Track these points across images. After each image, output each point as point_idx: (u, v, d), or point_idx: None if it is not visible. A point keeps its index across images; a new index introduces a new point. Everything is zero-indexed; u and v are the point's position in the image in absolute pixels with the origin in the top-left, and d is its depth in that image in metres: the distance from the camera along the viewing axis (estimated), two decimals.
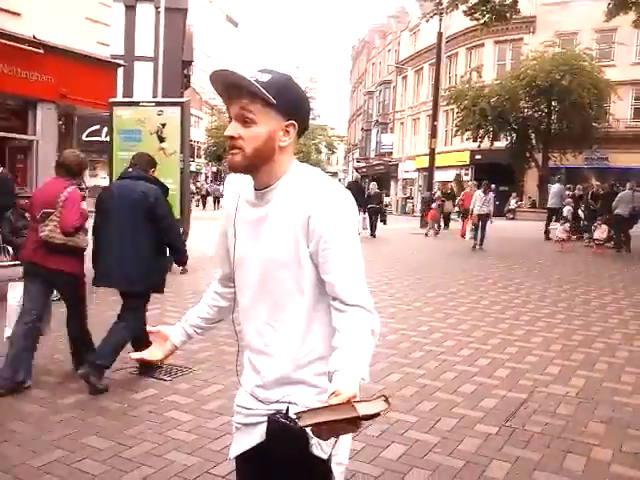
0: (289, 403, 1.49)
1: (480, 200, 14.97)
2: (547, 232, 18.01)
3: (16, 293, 4.46)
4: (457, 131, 31.45)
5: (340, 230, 1.47)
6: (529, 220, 26.15)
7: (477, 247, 14.88)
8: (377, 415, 1.21)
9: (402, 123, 46.93)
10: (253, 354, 1.60)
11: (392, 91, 49.12)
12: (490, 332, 6.22)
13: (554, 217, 18.05)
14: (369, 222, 17.75)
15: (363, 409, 1.19)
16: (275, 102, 1.46)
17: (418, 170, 39.83)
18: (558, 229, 16.00)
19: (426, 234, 18.89)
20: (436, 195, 21.55)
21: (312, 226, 1.46)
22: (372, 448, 3.37)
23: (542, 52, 28.30)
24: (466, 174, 35.85)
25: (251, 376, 1.61)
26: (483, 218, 14.90)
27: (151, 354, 1.74)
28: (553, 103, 28.60)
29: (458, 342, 5.79)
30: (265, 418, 1.51)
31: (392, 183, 46.89)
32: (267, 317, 1.56)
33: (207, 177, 56.53)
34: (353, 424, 1.22)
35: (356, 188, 17.13)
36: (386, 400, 1.23)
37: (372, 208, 17.75)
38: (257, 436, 1.55)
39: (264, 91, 1.43)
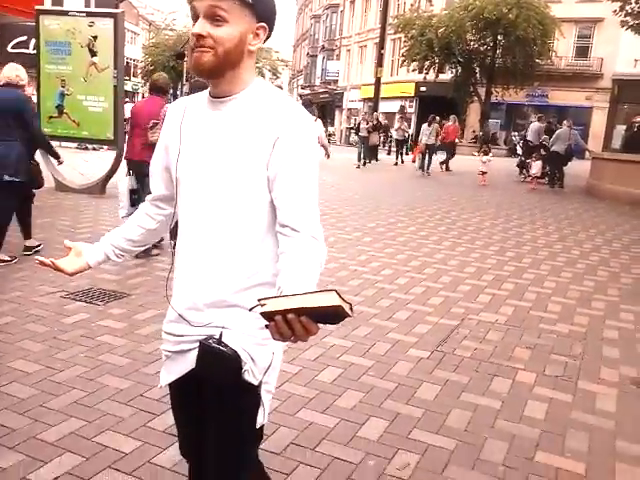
0: (223, 328, 1.44)
1: (427, 131, 17.26)
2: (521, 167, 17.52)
3: (125, 183, 5.67)
4: (404, 61, 31.06)
5: (304, 158, 1.41)
6: (471, 155, 26.53)
7: (425, 173, 16.88)
8: (343, 314, 1.11)
9: (349, 50, 45.92)
10: (190, 275, 1.49)
11: (339, 16, 47.69)
12: (426, 262, 6.35)
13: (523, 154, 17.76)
14: None
15: (329, 301, 1.10)
16: (252, 1, 1.35)
17: (363, 100, 39.37)
18: (533, 166, 15.98)
19: (358, 166, 18.94)
20: (361, 126, 20.25)
21: (278, 149, 1.39)
22: (308, 371, 3.43)
23: None
24: (410, 106, 35.77)
25: (184, 297, 1.50)
26: (430, 147, 17.26)
27: (60, 265, 1.59)
28: (499, 37, 28.51)
29: (395, 271, 5.88)
30: (196, 344, 1.44)
31: (337, 113, 46.34)
32: (211, 236, 1.45)
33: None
34: (313, 325, 1.14)
35: None
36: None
37: None
38: (188, 363, 1.50)
39: None
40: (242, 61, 1.41)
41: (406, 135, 22.35)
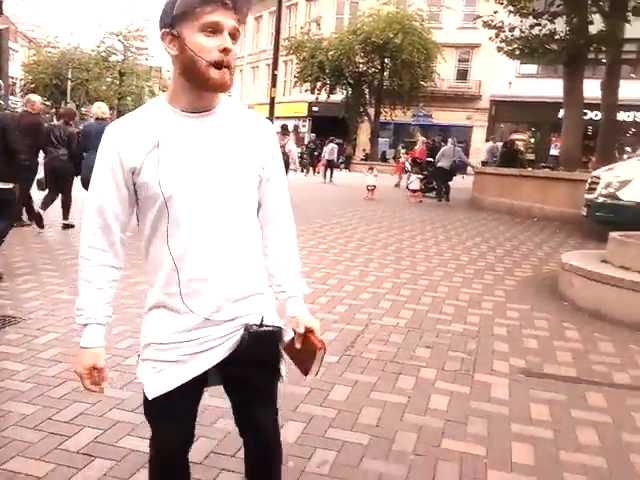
0: (261, 314, 1.68)
1: (327, 149, 22.42)
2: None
3: None
4: (296, 82, 31.72)
5: (280, 158, 1.70)
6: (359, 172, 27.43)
7: (328, 182, 21.00)
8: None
9: (241, 70, 46.14)
10: (212, 280, 1.58)
11: None
12: (328, 273, 6.54)
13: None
14: None
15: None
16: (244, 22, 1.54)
17: None
18: (411, 179, 16.63)
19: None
20: None
21: (273, 154, 1.66)
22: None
23: (377, 10, 29.30)
24: (303, 125, 36.49)
25: (208, 302, 1.59)
26: (330, 162, 22.10)
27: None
28: (386, 60, 29.93)
29: None
30: (222, 339, 1.62)
31: None
32: (225, 239, 1.58)
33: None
34: None
35: None
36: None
37: None
38: (214, 358, 1.63)
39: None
40: None
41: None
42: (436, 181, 16.88)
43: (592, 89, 15.71)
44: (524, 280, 6.83)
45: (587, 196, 10.24)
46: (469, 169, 20.53)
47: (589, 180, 10.44)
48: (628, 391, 3.71)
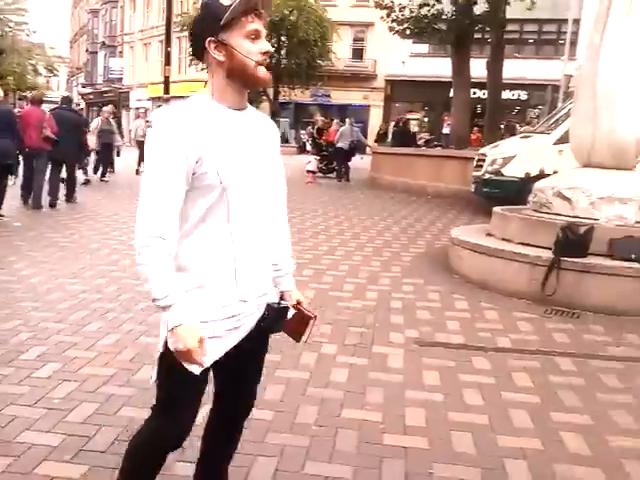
0: (280, 292, 1.99)
1: None
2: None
3: None
4: (192, 60, 30.89)
5: None
6: None
7: None
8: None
9: (132, 47, 44.33)
10: (255, 260, 1.80)
11: (120, 11, 45.79)
12: None
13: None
14: (100, 162, 14.55)
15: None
16: None
17: (152, 99, 38.33)
18: (308, 160, 16.75)
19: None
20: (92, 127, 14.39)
21: (278, 144, 1.92)
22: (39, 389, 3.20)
23: None
24: None
25: (253, 283, 1.80)
26: None
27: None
28: (282, 38, 29.77)
29: None
30: (252, 315, 1.82)
31: (124, 112, 44.44)
32: (268, 224, 1.84)
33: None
34: None
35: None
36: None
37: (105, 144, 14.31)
38: (244, 331, 1.81)
39: None
40: None
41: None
42: (336, 161, 17.20)
43: (480, 69, 16.54)
44: (418, 256, 7.22)
45: (475, 173, 10.89)
46: (367, 149, 21.06)
47: (476, 158, 11.08)
48: (509, 354, 4.07)
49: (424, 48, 31.37)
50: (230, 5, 1.61)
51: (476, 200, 11.07)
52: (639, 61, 5.63)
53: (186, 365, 1.66)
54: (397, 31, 16.34)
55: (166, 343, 1.69)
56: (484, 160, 10.60)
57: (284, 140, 33.76)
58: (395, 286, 5.72)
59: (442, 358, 3.93)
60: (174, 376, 1.72)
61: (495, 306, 5.15)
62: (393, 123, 23.31)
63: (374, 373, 3.62)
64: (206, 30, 1.66)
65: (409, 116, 29.85)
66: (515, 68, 25.16)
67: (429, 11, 15.78)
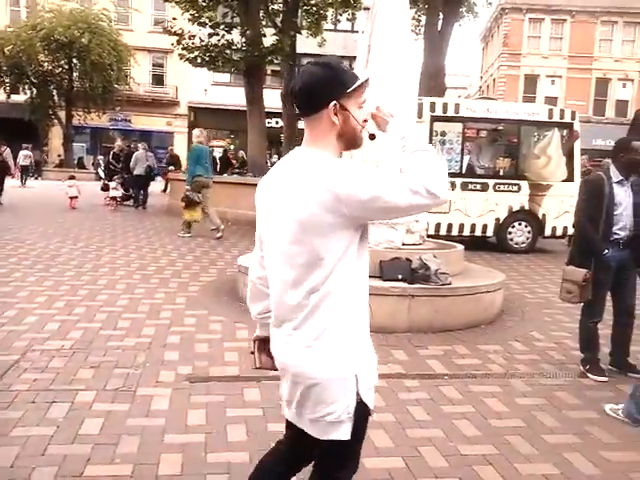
0: None
1: (23, 154, 19.76)
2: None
3: None
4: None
5: None
6: (57, 180, 25.35)
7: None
8: None
9: None
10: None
11: None
12: None
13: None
14: None
15: None
16: None
17: None
18: (112, 186, 15.82)
19: None
20: None
21: None
22: None
23: (59, 5, 27.31)
24: None
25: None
26: (26, 168, 19.95)
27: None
28: (74, 60, 28.12)
29: None
30: None
31: None
32: None
33: None
34: None
35: None
36: None
37: None
38: None
39: None
40: None
41: None
42: (134, 188, 16.47)
43: (273, 99, 17.02)
44: (207, 285, 7.04)
45: None
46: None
47: None
48: (279, 382, 4.02)
49: (225, 77, 31.62)
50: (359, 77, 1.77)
51: None
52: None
53: None
54: (187, 58, 16.16)
55: None
56: None
57: (80, 166, 31.76)
58: (176, 319, 5.46)
59: (213, 393, 3.77)
60: None
61: None
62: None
63: (134, 419, 3.33)
64: (333, 92, 1.72)
65: (214, 143, 29.83)
66: None
67: (219, 40, 15.87)
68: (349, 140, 1.79)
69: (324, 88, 1.73)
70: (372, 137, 1.84)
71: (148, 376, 3.99)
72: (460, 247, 6.81)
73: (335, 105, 1.73)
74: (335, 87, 1.73)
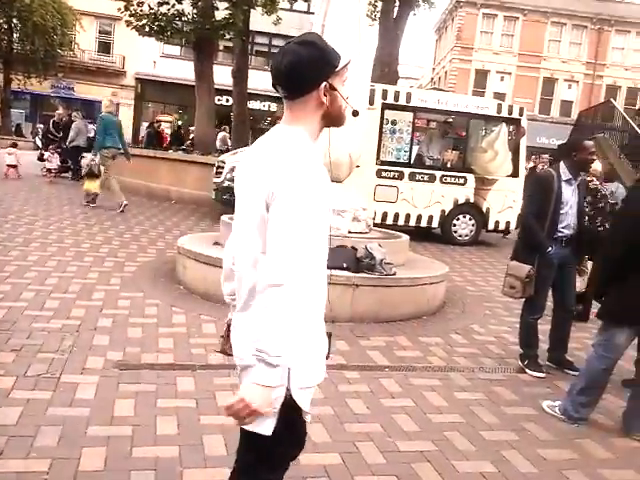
0: None
1: None
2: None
3: None
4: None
5: None
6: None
7: None
8: None
9: None
10: None
11: None
12: None
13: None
14: None
15: None
16: None
17: None
18: (47, 156, 15.07)
19: None
20: None
21: None
22: None
23: None
24: None
25: None
26: None
27: None
28: (14, 20, 26.66)
29: None
30: None
31: None
32: None
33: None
34: None
35: None
36: None
37: None
38: None
39: None
40: None
41: None
42: (72, 160, 15.74)
43: (224, 76, 16.49)
44: (144, 265, 6.75)
45: (215, 180, 10.76)
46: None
47: (216, 164, 10.97)
48: (217, 370, 3.87)
49: (176, 50, 30.69)
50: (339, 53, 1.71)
51: (217, 207, 10.94)
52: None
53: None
54: (135, 26, 15.42)
55: None
56: (223, 167, 10.54)
57: (18, 133, 30.28)
58: (109, 301, 5.19)
59: (143, 382, 3.58)
60: None
61: (214, 318, 4.95)
62: (146, 124, 22.35)
63: (56, 408, 3.11)
64: (323, 73, 1.68)
65: (160, 117, 29.02)
66: (266, 80, 26.01)
67: (169, 10, 15.22)
68: (334, 118, 1.77)
69: (313, 69, 1.68)
70: (355, 114, 1.77)
71: (74, 362, 3.75)
72: (405, 237, 6.78)
73: (325, 86, 1.70)
74: (323, 67, 1.69)
